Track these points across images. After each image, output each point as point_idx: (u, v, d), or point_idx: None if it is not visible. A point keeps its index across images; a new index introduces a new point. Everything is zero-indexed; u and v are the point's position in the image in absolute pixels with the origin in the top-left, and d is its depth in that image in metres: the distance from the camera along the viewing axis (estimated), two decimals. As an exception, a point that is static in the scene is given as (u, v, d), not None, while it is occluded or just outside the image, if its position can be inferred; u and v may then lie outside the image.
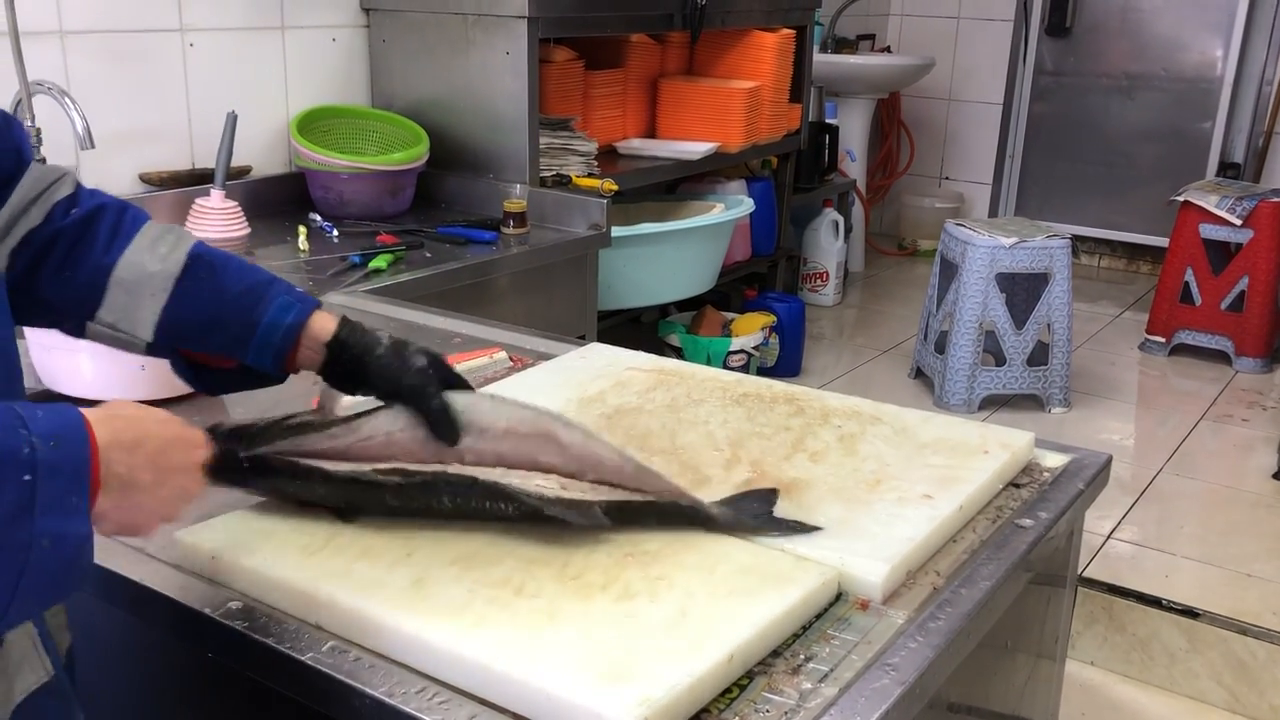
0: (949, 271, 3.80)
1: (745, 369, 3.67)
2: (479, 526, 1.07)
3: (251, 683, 0.98)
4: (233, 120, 2.56)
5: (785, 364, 3.98)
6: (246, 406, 1.23)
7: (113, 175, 2.57)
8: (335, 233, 2.65)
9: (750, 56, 3.78)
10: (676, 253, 3.37)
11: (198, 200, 2.57)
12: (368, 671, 0.92)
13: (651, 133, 3.73)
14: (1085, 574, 2.68)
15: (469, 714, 0.87)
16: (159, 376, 1.41)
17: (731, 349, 3.70)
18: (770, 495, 1.16)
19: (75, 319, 1.06)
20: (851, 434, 1.32)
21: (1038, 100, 5.64)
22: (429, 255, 2.51)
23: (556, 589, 0.98)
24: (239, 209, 2.59)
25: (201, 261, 1.07)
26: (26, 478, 0.71)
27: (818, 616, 1.00)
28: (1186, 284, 4.28)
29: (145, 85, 2.62)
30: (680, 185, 3.97)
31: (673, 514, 1.09)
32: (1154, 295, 4.45)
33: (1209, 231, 4.19)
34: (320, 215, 2.76)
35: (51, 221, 1.03)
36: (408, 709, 0.88)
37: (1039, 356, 3.74)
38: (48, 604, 0.78)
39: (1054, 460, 1.32)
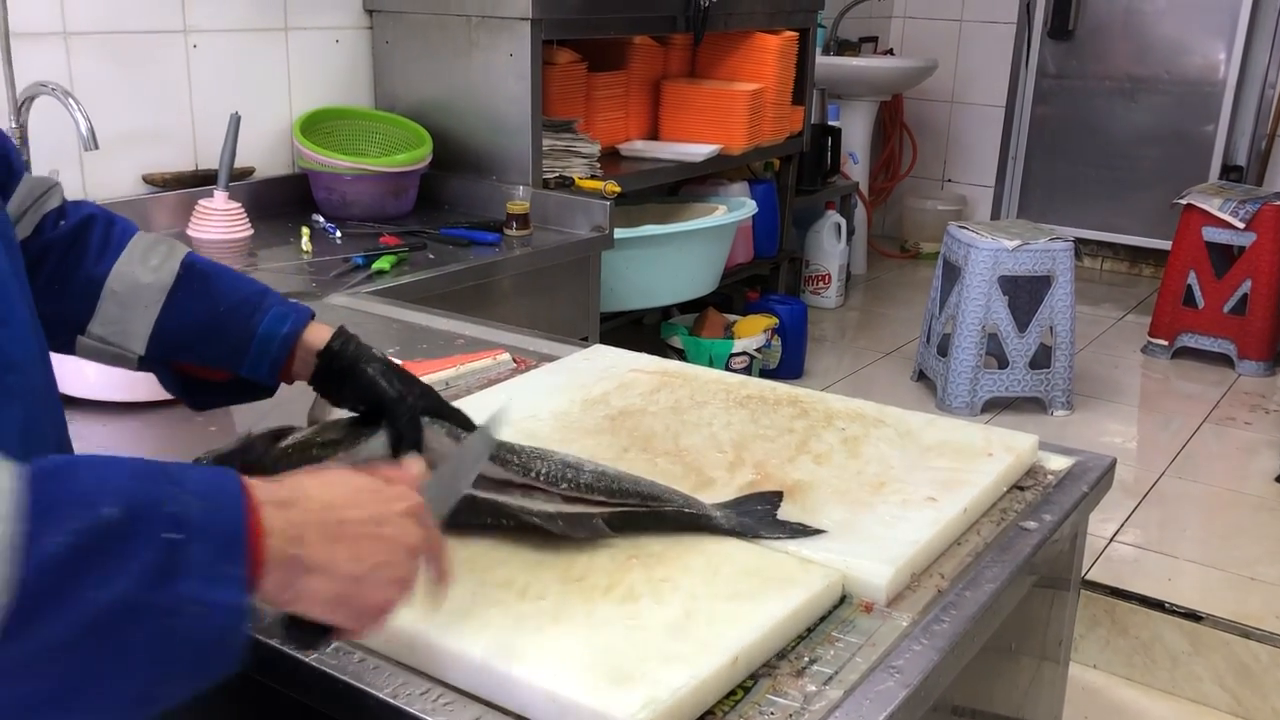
0: (951, 274, 3.80)
1: (747, 371, 3.67)
2: (480, 530, 1.07)
3: (255, 684, 0.98)
4: (236, 121, 2.56)
5: (787, 366, 3.98)
6: (251, 407, 1.22)
7: (116, 176, 2.58)
8: (338, 234, 2.65)
9: (753, 59, 3.78)
10: (679, 255, 3.37)
11: (201, 201, 2.57)
12: (372, 673, 0.92)
13: (654, 135, 3.73)
14: (1088, 577, 2.68)
15: (473, 716, 0.87)
16: (162, 378, 1.41)
17: (734, 351, 3.70)
18: (774, 497, 1.15)
19: (65, 333, 1.03)
20: (855, 436, 1.32)
21: (1040, 103, 5.64)
22: (432, 257, 2.51)
23: (560, 591, 0.98)
24: (242, 210, 2.59)
25: (194, 272, 1.05)
26: (171, 536, 0.63)
27: (822, 619, 1.00)
28: (1189, 287, 4.28)
29: (149, 86, 2.62)
30: (683, 187, 3.97)
31: (675, 519, 1.09)
32: (1156, 298, 4.45)
33: (1212, 234, 4.19)
34: (323, 216, 2.76)
35: (41, 233, 1.01)
36: (412, 710, 0.88)
37: (1041, 359, 3.74)
38: (197, 684, 0.67)
39: (1058, 463, 1.32)
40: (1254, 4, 5.05)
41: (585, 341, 1.76)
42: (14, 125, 2.28)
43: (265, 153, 2.89)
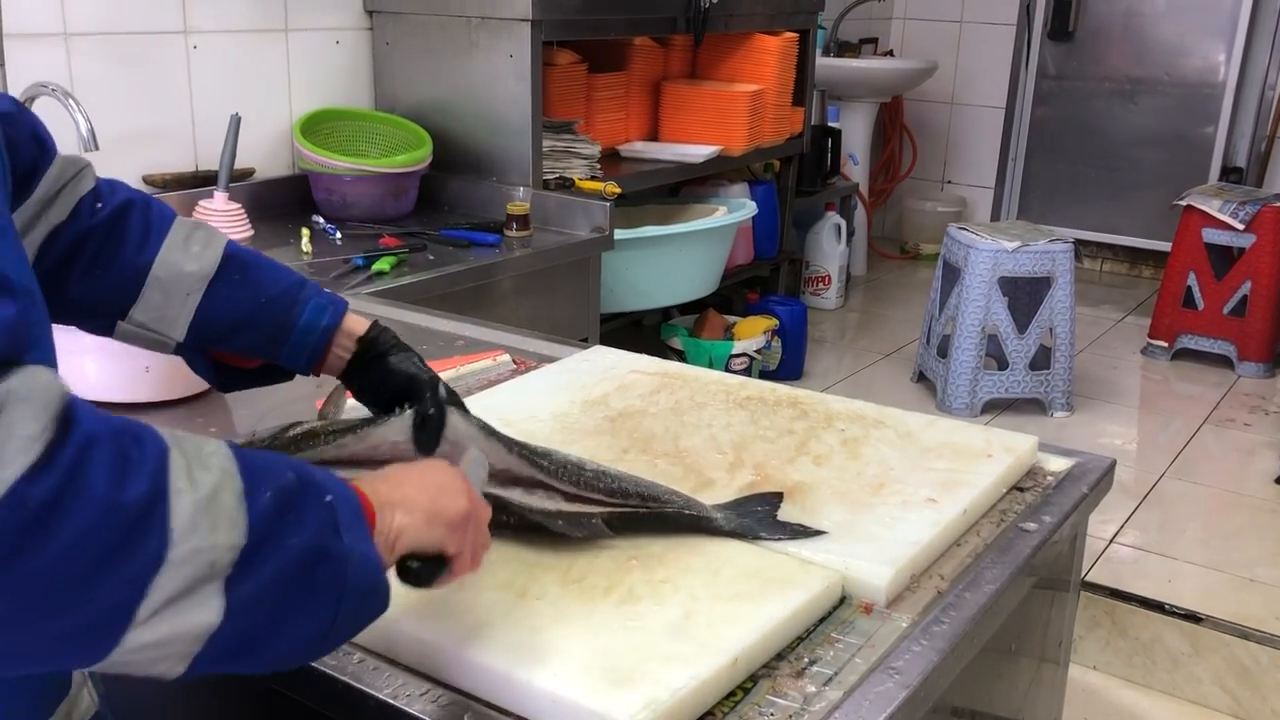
0: (951, 275, 3.80)
1: (747, 372, 3.67)
2: (482, 529, 1.07)
3: (256, 685, 0.98)
4: (236, 122, 2.56)
5: (787, 367, 3.98)
6: (251, 408, 1.23)
7: (116, 177, 2.57)
8: (338, 235, 2.65)
9: (753, 60, 3.78)
10: (679, 256, 3.37)
11: (201, 202, 2.57)
12: (372, 674, 0.92)
13: (654, 136, 3.73)
14: (1088, 578, 2.68)
15: (473, 717, 0.87)
16: (162, 380, 1.42)
17: (734, 352, 3.71)
18: (774, 499, 1.16)
19: (105, 318, 1.04)
20: (855, 438, 1.32)
21: (1040, 104, 5.64)
22: (432, 258, 2.51)
23: (560, 592, 0.98)
24: (242, 211, 2.59)
25: (235, 261, 1.06)
26: (328, 498, 0.72)
27: (822, 620, 1.00)
28: (1189, 288, 4.28)
29: (149, 87, 2.62)
30: (683, 188, 3.98)
31: (676, 521, 1.09)
32: (1156, 299, 4.45)
33: (1211, 236, 4.19)
34: (323, 217, 2.76)
35: (79, 219, 1.00)
36: (411, 711, 0.88)
37: (1041, 360, 3.74)
38: (361, 625, 0.76)
39: (1057, 464, 1.32)
40: (1254, 6, 5.05)
41: (585, 343, 1.76)
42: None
43: (265, 154, 2.89)
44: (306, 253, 2.51)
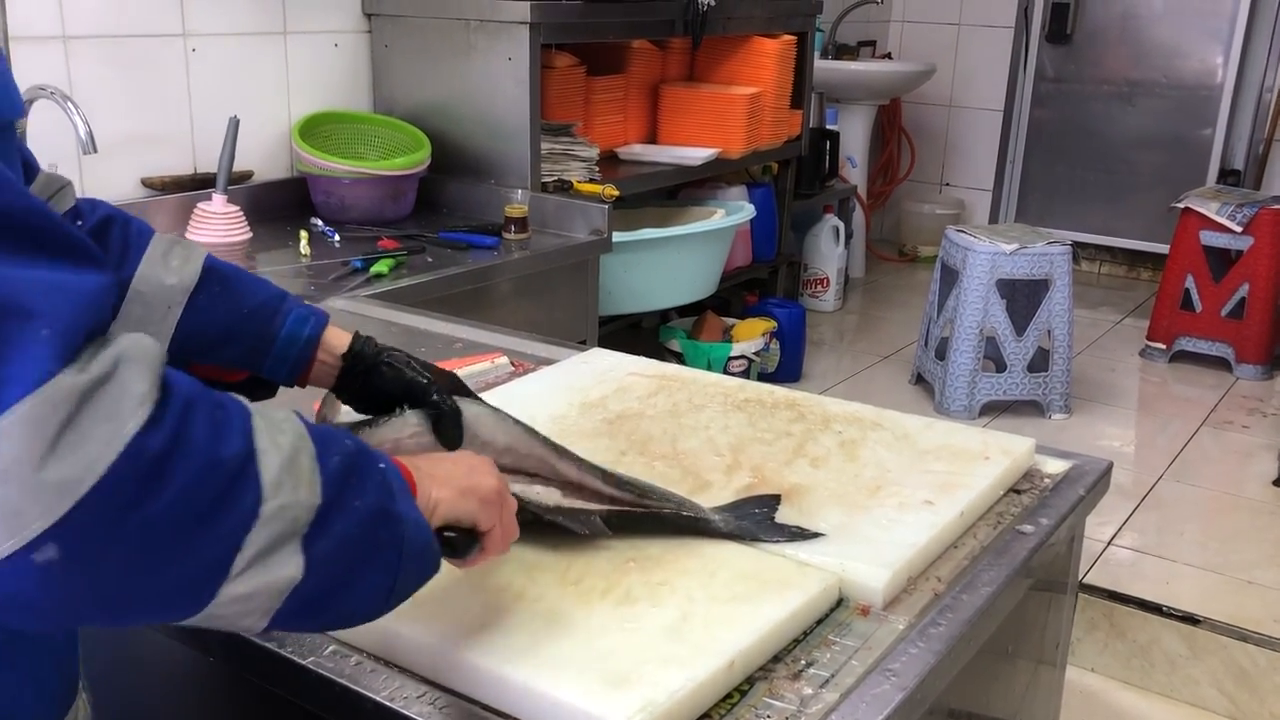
0: (950, 278, 3.80)
1: (746, 374, 3.67)
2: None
3: (254, 687, 0.98)
4: (235, 125, 2.56)
5: (786, 370, 3.98)
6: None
7: (115, 180, 2.58)
8: (337, 237, 2.65)
9: (751, 63, 3.78)
10: (677, 258, 3.37)
11: (199, 205, 2.57)
12: (369, 676, 0.92)
13: (653, 138, 3.73)
14: (1086, 580, 2.68)
15: (470, 719, 0.87)
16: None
17: (732, 354, 3.71)
18: (771, 501, 1.16)
19: None
20: (852, 440, 1.32)
21: (1038, 107, 5.65)
22: (430, 260, 2.51)
23: (557, 594, 0.98)
24: (241, 214, 2.59)
25: (215, 274, 1.06)
26: (382, 465, 0.77)
27: (819, 622, 1.00)
28: (1187, 290, 4.28)
29: (148, 90, 2.62)
30: (681, 191, 3.98)
31: (674, 522, 1.09)
32: (1154, 302, 4.46)
33: (1209, 238, 4.19)
34: (322, 220, 2.76)
35: None
36: (409, 713, 0.88)
37: (1039, 363, 3.74)
38: (419, 584, 0.80)
39: (1055, 466, 1.33)
40: (1251, 8, 5.06)
41: (583, 345, 1.76)
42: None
43: (264, 156, 2.89)
44: (305, 255, 2.51)
